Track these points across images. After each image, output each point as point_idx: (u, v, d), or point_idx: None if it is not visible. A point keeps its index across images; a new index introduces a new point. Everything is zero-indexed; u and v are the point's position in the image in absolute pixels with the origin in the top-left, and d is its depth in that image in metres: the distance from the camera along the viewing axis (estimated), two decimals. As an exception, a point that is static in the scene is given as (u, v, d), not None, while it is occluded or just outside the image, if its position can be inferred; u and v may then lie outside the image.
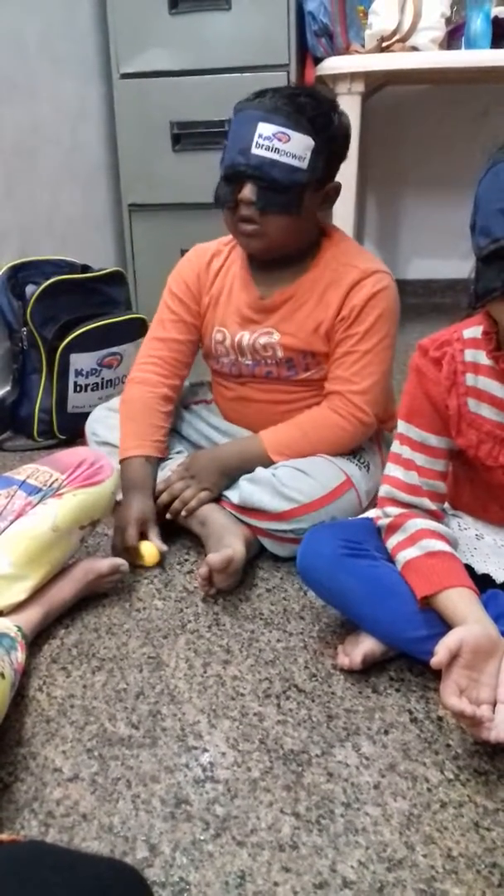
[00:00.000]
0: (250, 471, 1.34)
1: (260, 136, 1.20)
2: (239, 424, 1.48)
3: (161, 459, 1.43)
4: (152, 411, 1.44)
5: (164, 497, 1.35)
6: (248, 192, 1.23)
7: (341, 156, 1.30)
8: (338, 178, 2.28)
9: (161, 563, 1.35)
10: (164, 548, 1.34)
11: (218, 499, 1.36)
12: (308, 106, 1.22)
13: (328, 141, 1.23)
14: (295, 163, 1.20)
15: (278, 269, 1.35)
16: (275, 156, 1.19)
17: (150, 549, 1.33)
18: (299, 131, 1.20)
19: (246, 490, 1.30)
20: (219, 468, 1.35)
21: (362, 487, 1.33)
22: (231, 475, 1.35)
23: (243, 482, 1.32)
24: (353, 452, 1.38)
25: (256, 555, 1.36)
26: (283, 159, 1.20)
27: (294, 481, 1.28)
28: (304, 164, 1.21)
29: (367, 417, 1.33)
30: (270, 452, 1.34)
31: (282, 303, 1.35)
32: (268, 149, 1.19)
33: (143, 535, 1.33)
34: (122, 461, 1.39)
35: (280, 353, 1.37)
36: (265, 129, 1.20)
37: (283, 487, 1.28)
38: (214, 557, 1.20)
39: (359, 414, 1.33)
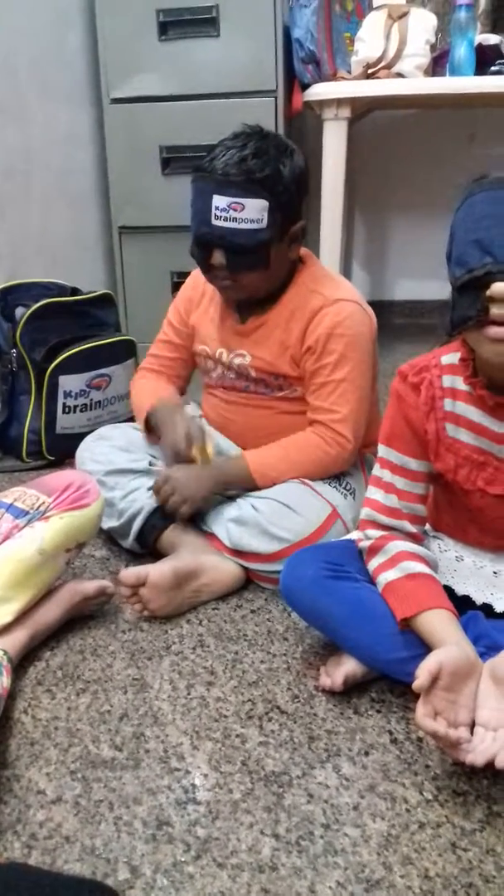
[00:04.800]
0: (236, 490, 1.37)
1: (216, 207, 1.26)
2: (227, 431, 1.51)
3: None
4: (162, 386, 1.56)
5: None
6: (218, 257, 1.29)
7: (301, 196, 1.33)
8: (325, 202, 2.36)
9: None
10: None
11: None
12: (256, 168, 1.25)
13: (282, 194, 1.27)
14: (254, 226, 1.26)
15: (256, 300, 1.40)
16: (234, 224, 1.26)
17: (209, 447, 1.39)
18: (251, 197, 1.25)
19: (235, 533, 1.32)
20: (208, 479, 1.37)
21: (348, 516, 1.34)
22: (218, 489, 1.38)
23: (230, 524, 1.33)
24: (337, 479, 1.39)
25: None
26: (243, 226, 1.26)
27: (280, 519, 1.29)
28: (263, 225, 1.26)
29: (349, 443, 1.36)
30: (254, 474, 1.36)
31: (255, 329, 1.41)
32: (226, 219, 1.26)
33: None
34: (148, 413, 1.48)
35: (253, 374, 1.43)
36: (220, 201, 1.26)
37: (270, 527, 1.29)
38: (125, 572, 1.23)
39: (341, 440, 1.35)
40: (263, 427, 1.43)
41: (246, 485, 1.37)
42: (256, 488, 1.36)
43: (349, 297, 1.37)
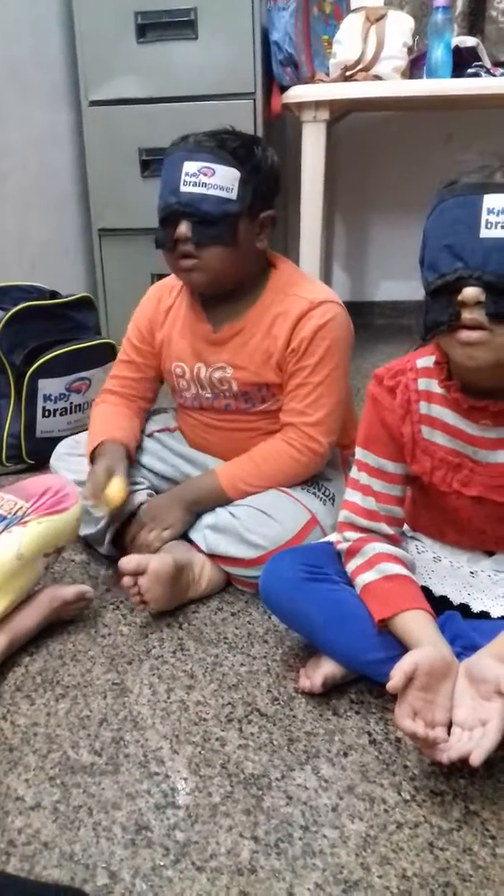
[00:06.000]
0: (209, 508, 1.35)
1: (186, 173, 1.24)
2: (205, 451, 1.49)
3: (130, 464, 1.44)
4: (120, 415, 1.50)
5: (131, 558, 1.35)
6: (183, 228, 1.26)
7: (271, 187, 1.32)
8: (305, 203, 2.37)
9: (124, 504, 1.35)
10: (128, 487, 1.35)
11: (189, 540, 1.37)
12: (229, 140, 1.26)
13: (253, 170, 1.27)
14: (223, 194, 1.24)
15: (227, 303, 1.37)
16: (203, 190, 1.24)
17: (114, 490, 1.33)
18: (223, 164, 1.24)
19: (211, 540, 1.31)
20: (178, 505, 1.37)
21: (327, 523, 1.33)
22: (191, 510, 1.37)
23: (207, 531, 1.33)
24: (316, 485, 1.39)
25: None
26: (212, 192, 1.24)
27: (258, 526, 1.29)
28: (232, 195, 1.25)
29: (321, 448, 1.35)
30: (226, 488, 1.35)
31: (231, 336, 1.37)
32: (195, 184, 1.24)
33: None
34: (92, 451, 1.42)
35: (235, 387, 1.39)
36: (190, 166, 1.24)
37: (247, 534, 1.28)
38: (125, 560, 1.22)
39: (312, 444, 1.35)
40: (246, 449, 1.39)
41: (219, 501, 1.36)
42: (230, 502, 1.35)
43: (332, 298, 1.36)
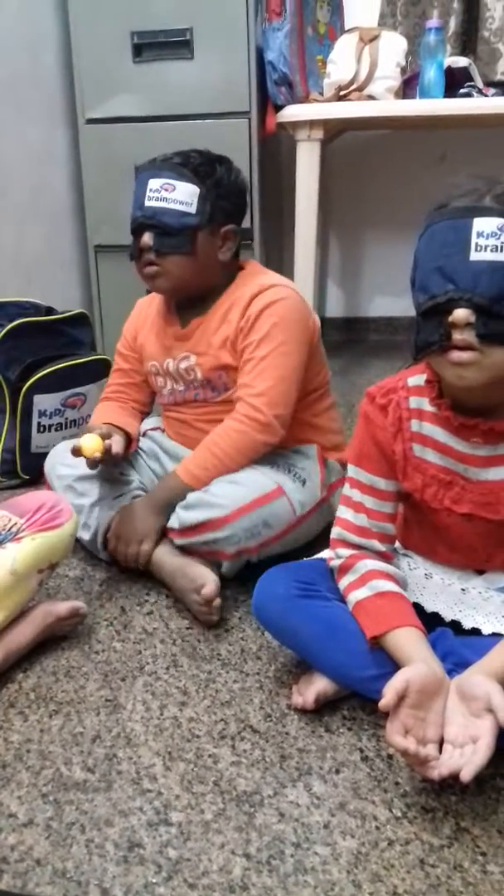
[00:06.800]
0: (180, 501, 1.38)
1: (150, 189, 1.35)
2: (186, 446, 1.54)
3: (127, 450, 1.49)
4: (113, 410, 1.58)
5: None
6: (146, 238, 1.37)
7: (235, 203, 1.42)
8: (299, 220, 2.39)
9: (106, 457, 1.40)
10: (108, 442, 1.41)
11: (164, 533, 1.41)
12: (192, 159, 1.38)
13: (213, 187, 1.37)
14: (183, 208, 1.35)
15: (196, 307, 1.46)
16: (164, 204, 1.35)
17: (87, 443, 1.39)
18: (183, 181, 1.35)
19: (184, 516, 1.34)
20: (148, 512, 1.41)
21: (295, 497, 1.37)
22: (162, 513, 1.40)
23: (180, 510, 1.36)
24: (286, 467, 1.42)
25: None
26: (172, 206, 1.34)
27: (224, 490, 1.34)
28: (192, 209, 1.35)
29: (263, 417, 1.38)
30: (188, 481, 1.38)
31: (195, 329, 1.46)
32: (157, 199, 1.35)
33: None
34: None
35: (199, 375, 1.46)
36: (154, 183, 1.35)
37: (214, 498, 1.33)
38: (208, 589, 1.27)
39: (254, 414, 1.38)
40: None
41: (184, 494, 1.38)
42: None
43: (285, 283, 1.44)
